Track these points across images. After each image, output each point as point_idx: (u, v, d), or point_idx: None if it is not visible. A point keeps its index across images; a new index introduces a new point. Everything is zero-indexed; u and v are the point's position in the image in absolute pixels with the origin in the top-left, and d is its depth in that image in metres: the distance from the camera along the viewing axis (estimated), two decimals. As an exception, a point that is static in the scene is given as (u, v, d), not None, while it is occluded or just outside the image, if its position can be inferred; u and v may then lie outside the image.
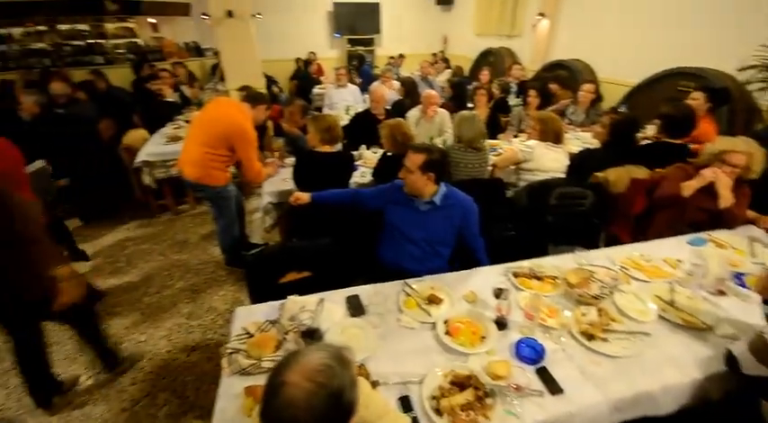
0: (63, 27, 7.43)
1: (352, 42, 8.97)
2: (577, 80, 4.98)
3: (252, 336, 1.36)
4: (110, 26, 7.60)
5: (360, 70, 7.00)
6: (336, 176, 2.47)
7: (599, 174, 2.42)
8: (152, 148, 3.66)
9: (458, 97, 4.64)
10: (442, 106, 3.78)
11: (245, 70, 4.40)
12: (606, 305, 1.51)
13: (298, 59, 7.82)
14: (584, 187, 2.36)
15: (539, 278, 1.67)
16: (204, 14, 4.23)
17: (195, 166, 2.43)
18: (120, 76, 6.11)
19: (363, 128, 3.36)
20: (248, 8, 4.30)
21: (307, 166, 2.44)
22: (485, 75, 5.51)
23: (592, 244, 2.35)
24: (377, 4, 8.72)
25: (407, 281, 1.66)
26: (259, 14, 4.70)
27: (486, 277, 1.72)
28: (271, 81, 6.13)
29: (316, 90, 6.48)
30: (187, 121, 4.22)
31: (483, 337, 1.36)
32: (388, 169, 2.55)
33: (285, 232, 2.84)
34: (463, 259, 1.94)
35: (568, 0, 5.72)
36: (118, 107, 4.46)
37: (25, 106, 3.20)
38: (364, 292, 1.61)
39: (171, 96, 4.72)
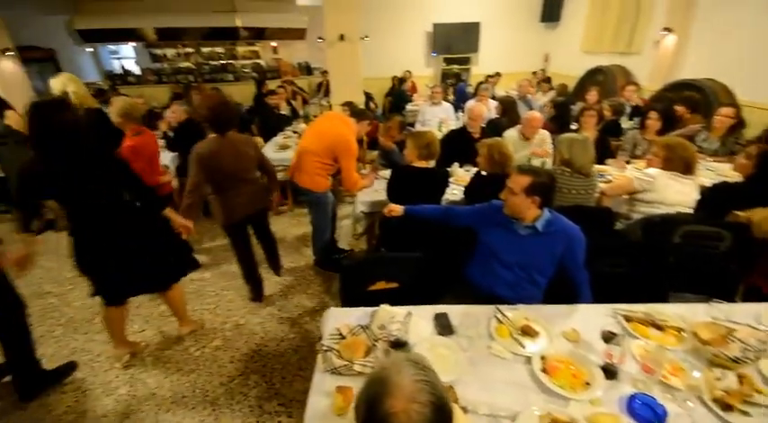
0: (205, 49, 8.93)
1: (448, 61, 9.09)
2: (710, 102, 4.33)
3: (344, 337, 1.43)
4: (240, 49, 8.90)
5: (455, 88, 7.03)
6: (430, 192, 2.50)
7: (741, 212, 2.05)
8: (265, 154, 4.13)
9: (560, 118, 4.35)
10: (542, 127, 3.59)
11: (349, 87, 4.74)
12: (749, 372, 1.25)
13: (394, 77, 8.17)
14: (720, 227, 2.01)
15: (659, 327, 1.45)
16: (320, 38, 4.67)
17: (303, 172, 2.67)
18: (247, 91, 7.08)
19: (457, 145, 3.35)
20: (358, 32, 4.66)
21: (401, 179, 2.51)
22: (593, 95, 5.10)
23: (726, 295, 1.97)
24: (477, 24, 8.74)
25: (500, 307, 1.59)
26: (367, 37, 5.05)
27: (590, 316, 1.56)
28: (368, 97, 6.51)
29: (409, 107, 6.69)
30: (295, 132, 4.68)
31: (587, 384, 1.23)
32: (481, 188, 2.50)
33: (374, 242, 2.95)
34: (561, 292, 1.79)
35: (701, 13, 5.04)
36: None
37: (175, 113, 3.91)
38: (453, 311, 1.58)
39: (284, 109, 5.31)
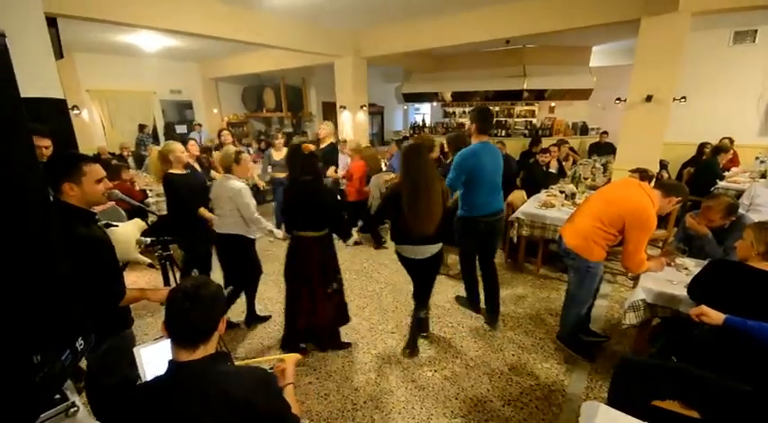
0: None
1: (811, 129, 6.40)
2: None
3: (620, 448, 1.18)
4: (518, 108, 9.49)
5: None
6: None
7: None
8: (526, 208, 4.15)
9: None
10: None
11: (641, 153, 4.13)
12: None
13: (704, 145, 6.47)
14: None
15: None
16: (618, 99, 4.34)
17: (577, 235, 2.48)
18: (516, 146, 7.51)
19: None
20: (671, 93, 4.02)
21: (726, 280, 1.90)
22: None
23: None
24: None
25: None
26: (683, 98, 4.27)
27: None
28: (662, 166, 5.45)
29: (724, 183, 5.14)
30: (562, 192, 4.48)
31: None
32: None
33: (648, 342, 2.36)
34: None
35: None
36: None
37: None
38: None
39: (553, 167, 5.20)
